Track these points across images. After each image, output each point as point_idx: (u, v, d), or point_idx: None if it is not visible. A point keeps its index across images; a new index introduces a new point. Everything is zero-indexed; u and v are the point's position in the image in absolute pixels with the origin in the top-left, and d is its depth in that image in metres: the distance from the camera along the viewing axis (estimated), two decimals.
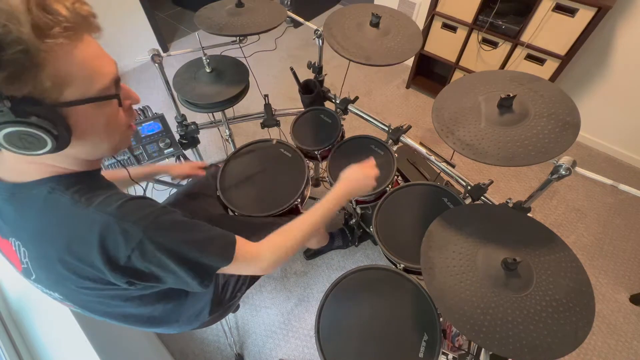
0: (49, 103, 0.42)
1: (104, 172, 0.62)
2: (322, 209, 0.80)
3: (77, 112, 0.45)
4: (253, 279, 1.03)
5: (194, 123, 1.45)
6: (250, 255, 0.65)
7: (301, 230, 0.75)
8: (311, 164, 1.76)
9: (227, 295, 0.95)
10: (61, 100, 0.43)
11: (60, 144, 0.44)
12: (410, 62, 2.52)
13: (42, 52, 0.39)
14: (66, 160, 0.52)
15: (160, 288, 0.66)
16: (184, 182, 1.54)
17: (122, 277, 0.51)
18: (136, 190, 1.00)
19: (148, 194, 0.63)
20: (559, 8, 1.68)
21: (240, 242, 0.64)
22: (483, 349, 0.83)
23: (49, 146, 0.44)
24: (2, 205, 0.52)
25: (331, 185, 1.25)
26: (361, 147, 1.30)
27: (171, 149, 1.30)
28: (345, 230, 1.67)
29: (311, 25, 1.29)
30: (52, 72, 0.41)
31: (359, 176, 0.89)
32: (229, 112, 1.49)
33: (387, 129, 1.30)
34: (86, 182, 0.53)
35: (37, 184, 0.50)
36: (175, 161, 1.48)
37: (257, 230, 1.07)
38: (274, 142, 1.32)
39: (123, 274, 0.51)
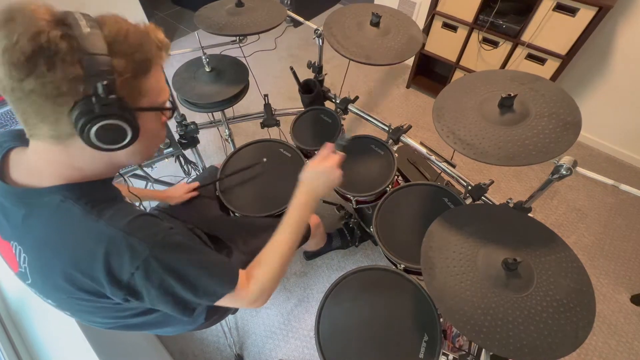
0: (131, 106, 0.49)
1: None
2: (290, 224, 0.72)
3: (144, 117, 0.52)
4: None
5: (193, 123, 1.45)
6: (242, 290, 0.63)
7: (277, 254, 0.70)
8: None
9: None
10: (139, 105, 0.51)
11: (133, 139, 0.50)
12: (410, 61, 2.52)
13: (153, 64, 0.51)
14: (97, 163, 0.53)
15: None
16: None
17: (120, 293, 0.51)
18: (142, 202, 1.00)
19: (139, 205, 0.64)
20: (559, 8, 1.68)
21: (240, 273, 0.63)
22: (483, 350, 0.83)
23: (126, 141, 0.50)
24: (11, 208, 0.52)
25: None
26: (361, 147, 1.30)
27: (171, 149, 1.30)
28: (344, 230, 1.67)
29: (311, 24, 1.29)
30: (149, 81, 0.51)
31: (319, 172, 0.76)
32: (229, 112, 1.49)
33: (387, 128, 1.29)
34: (98, 192, 0.55)
35: (50, 192, 0.51)
36: (175, 161, 1.48)
37: (256, 231, 1.07)
38: (264, 160, 1.26)
39: (122, 290, 0.51)
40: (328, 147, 0.80)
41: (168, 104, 0.58)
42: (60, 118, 0.45)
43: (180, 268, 0.54)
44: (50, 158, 0.51)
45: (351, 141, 1.03)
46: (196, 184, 1.17)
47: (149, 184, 1.43)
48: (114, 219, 0.51)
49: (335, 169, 0.76)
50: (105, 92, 0.44)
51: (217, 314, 0.94)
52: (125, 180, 0.86)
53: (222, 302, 0.61)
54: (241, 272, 0.65)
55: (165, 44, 0.53)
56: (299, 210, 0.74)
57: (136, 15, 2.63)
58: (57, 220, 0.50)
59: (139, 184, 1.43)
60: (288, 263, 0.72)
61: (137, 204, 1.00)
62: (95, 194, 0.54)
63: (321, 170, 0.76)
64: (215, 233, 1.05)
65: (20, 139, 0.57)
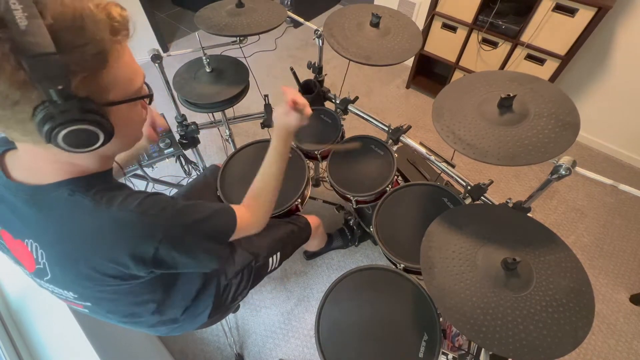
0: (98, 102, 0.45)
1: None
2: (274, 157, 0.83)
3: (117, 111, 0.48)
4: (255, 281, 1.03)
5: (194, 123, 1.45)
6: (245, 218, 0.72)
7: (270, 184, 0.81)
8: (311, 164, 1.76)
9: (228, 298, 0.95)
10: (108, 100, 0.46)
11: (108, 139, 0.47)
12: (410, 62, 2.52)
13: (110, 54, 0.44)
14: (88, 158, 0.53)
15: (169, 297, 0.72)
16: (184, 183, 1.54)
17: (145, 268, 0.54)
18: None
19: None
20: (559, 8, 1.68)
21: (237, 210, 0.70)
22: (483, 349, 0.83)
23: (100, 142, 0.46)
24: (22, 207, 0.52)
25: (331, 185, 1.25)
26: (361, 147, 1.30)
27: (171, 149, 1.30)
28: (345, 230, 1.67)
29: (311, 25, 1.29)
30: (111, 73, 0.45)
31: (284, 114, 0.83)
32: (229, 112, 1.49)
33: (387, 129, 1.30)
34: (102, 183, 0.55)
35: (56, 187, 0.51)
36: (176, 161, 1.48)
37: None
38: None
39: (148, 266, 0.54)
40: (285, 91, 0.84)
41: (145, 88, 0.53)
42: (25, 127, 0.42)
43: (195, 228, 0.58)
44: (40, 158, 0.50)
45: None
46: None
47: (149, 183, 1.43)
48: (125, 204, 0.52)
49: (301, 109, 0.82)
50: (60, 97, 0.40)
51: (220, 312, 0.94)
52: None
53: (235, 236, 0.68)
54: (238, 207, 0.72)
55: (122, 22, 0.45)
56: (278, 143, 0.83)
57: (136, 16, 2.63)
58: (69, 213, 0.51)
59: (139, 183, 1.44)
60: (278, 189, 0.83)
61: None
62: (100, 184, 0.54)
63: (284, 110, 0.83)
64: None
65: (12, 142, 0.57)
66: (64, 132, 0.42)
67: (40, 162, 0.51)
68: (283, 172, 0.84)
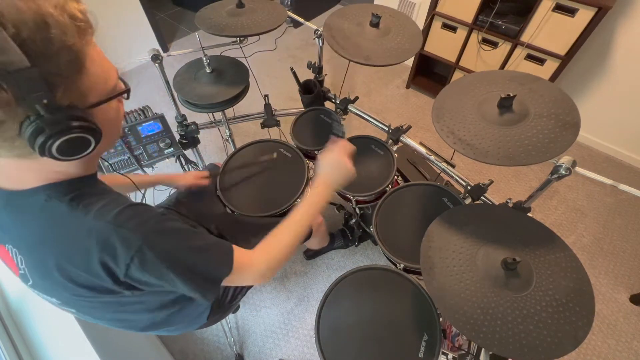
0: (82, 107, 0.44)
1: (107, 177, 0.62)
2: (307, 207, 0.76)
3: (98, 112, 0.47)
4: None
5: (194, 123, 1.45)
6: (245, 266, 0.63)
7: (290, 234, 0.72)
8: (311, 164, 1.76)
9: (227, 298, 0.95)
10: (89, 103, 0.45)
11: (98, 141, 0.46)
12: (410, 62, 2.52)
13: (84, 56, 0.43)
14: (72, 164, 0.50)
15: (163, 297, 0.66)
16: None
17: (122, 285, 0.51)
18: (136, 196, 1.00)
19: (148, 194, 0.63)
20: (559, 8, 1.68)
21: (236, 250, 0.63)
22: (483, 349, 0.83)
23: (92, 146, 0.46)
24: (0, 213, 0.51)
25: None
26: (361, 147, 1.30)
27: (171, 149, 1.30)
28: (346, 230, 1.67)
29: (311, 25, 1.29)
30: (87, 75, 0.44)
31: (335, 165, 0.82)
32: (229, 112, 1.49)
33: (387, 129, 1.30)
34: (82, 188, 0.52)
35: (33, 192, 0.49)
36: (176, 161, 1.48)
37: (257, 231, 1.06)
38: (275, 155, 1.31)
39: (121, 285, 0.51)
40: (335, 140, 0.85)
41: (120, 84, 0.51)
42: (13, 144, 0.42)
43: (175, 255, 0.53)
44: (23, 168, 0.49)
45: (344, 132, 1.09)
46: (206, 172, 1.17)
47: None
48: (102, 211, 0.49)
49: (349, 163, 0.82)
50: (47, 111, 0.39)
51: (219, 312, 0.94)
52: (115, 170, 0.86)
53: (226, 282, 0.60)
54: (244, 251, 0.64)
55: (85, 19, 0.43)
56: (317, 194, 0.78)
57: (136, 16, 2.63)
58: (45, 220, 0.49)
59: None
60: (297, 243, 0.74)
61: (140, 196, 1.01)
62: (80, 189, 0.52)
63: (336, 164, 0.82)
64: (218, 232, 1.06)
65: None
66: (57, 143, 0.42)
67: (21, 171, 0.50)
68: (309, 226, 0.77)
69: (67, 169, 0.51)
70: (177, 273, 0.52)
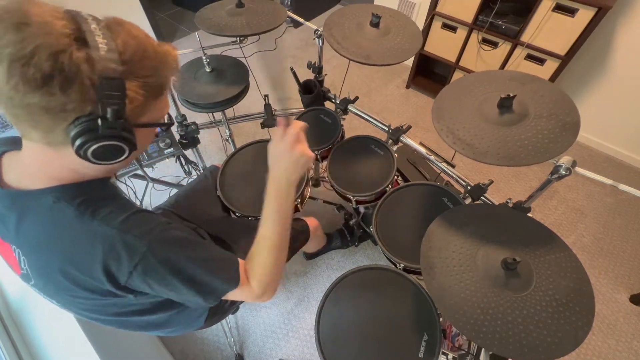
0: (132, 122, 0.48)
1: None
2: (270, 215, 0.67)
3: (141, 132, 0.51)
4: None
5: (194, 123, 1.45)
6: (246, 284, 0.63)
7: (266, 247, 0.65)
8: (311, 164, 1.76)
9: (227, 302, 0.95)
10: (139, 122, 0.50)
11: (129, 156, 0.50)
12: (410, 62, 2.52)
13: (165, 90, 0.51)
14: (97, 169, 0.52)
15: (162, 300, 0.66)
16: (184, 183, 1.54)
17: (124, 290, 0.52)
18: (142, 203, 1.00)
19: (148, 194, 0.64)
20: (559, 8, 1.68)
21: (242, 267, 0.62)
22: (483, 349, 0.83)
23: (122, 157, 0.49)
24: (4, 212, 0.52)
25: (331, 185, 1.25)
26: (361, 147, 1.30)
27: (171, 149, 1.30)
28: (344, 230, 1.67)
29: (311, 25, 1.29)
30: (157, 103, 0.51)
31: (281, 156, 0.66)
32: (229, 112, 1.49)
33: (387, 129, 1.30)
34: (93, 191, 0.53)
35: (42, 193, 0.50)
36: (176, 161, 1.48)
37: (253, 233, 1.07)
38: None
39: (121, 290, 0.52)
40: (281, 122, 0.65)
41: (166, 118, 0.57)
42: (54, 130, 0.44)
43: (179, 265, 0.53)
44: (43, 159, 0.50)
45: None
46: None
47: (149, 183, 1.43)
48: (109, 217, 0.50)
49: (296, 150, 0.64)
50: (113, 116, 0.44)
51: (218, 313, 0.94)
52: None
53: (228, 297, 0.60)
54: (242, 267, 0.63)
55: (178, 63, 0.53)
56: (274, 199, 0.66)
57: (136, 16, 2.63)
58: (51, 221, 0.50)
59: (139, 183, 1.44)
60: (282, 252, 0.67)
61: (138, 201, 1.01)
62: (89, 192, 0.52)
63: (282, 153, 0.65)
64: (218, 234, 1.06)
65: (13, 144, 0.57)
66: (98, 145, 0.45)
67: (37, 165, 0.50)
68: (285, 229, 0.67)
69: (86, 169, 0.52)
70: (181, 280, 0.53)
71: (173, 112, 1.41)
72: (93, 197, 0.52)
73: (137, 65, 0.45)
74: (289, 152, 0.64)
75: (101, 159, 0.47)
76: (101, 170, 0.53)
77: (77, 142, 0.43)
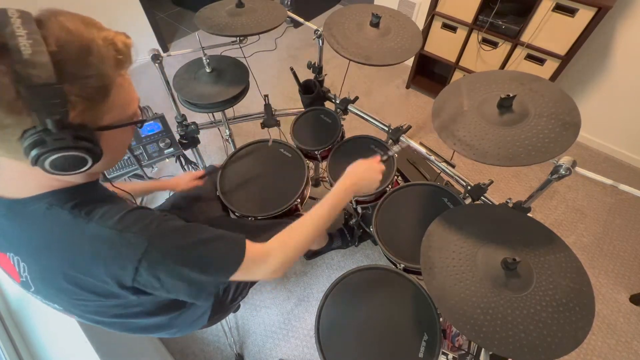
0: (91, 127, 0.44)
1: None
2: (328, 204, 0.74)
3: (107, 134, 0.48)
4: (254, 281, 1.01)
5: (194, 123, 1.45)
6: (260, 256, 0.62)
7: (307, 227, 0.71)
8: (311, 164, 1.76)
9: (228, 299, 0.95)
10: (101, 125, 0.46)
11: (96, 161, 0.46)
12: (410, 62, 2.52)
13: (113, 87, 0.45)
14: (76, 175, 0.50)
15: (164, 300, 0.66)
16: None
17: (129, 290, 0.51)
18: (142, 203, 1.00)
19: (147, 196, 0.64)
20: (559, 8, 1.68)
21: (249, 242, 0.61)
22: (483, 349, 0.83)
23: (87, 165, 0.46)
24: (1, 221, 0.51)
25: (331, 185, 1.25)
26: (361, 147, 1.30)
27: (171, 149, 1.30)
28: (345, 230, 1.67)
29: (311, 25, 1.29)
30: (110, 102, 0.45)
31: (365, 169, 0.84)
32: (229, 112, 1.49)
33: (387, 129, 1.30)
34: (84, 195, 0.52)
35: (35, 200, 0.49)
36: (176, 161, 1.48)
37: (257, 232, 1.07)
38: (270, 143, 1.32)
39: (129, 290, 0.51)
40: (378, 157, 0.91)
41: (137, 113, 0.52)
42: (9, 146, 0.41)
43: (183, 251, 0.52)
44: (22, 172, 0.49)
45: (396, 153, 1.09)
46: (201, 172, 1.17)
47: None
48: (104, 218, 0.49)
49: (379, 172, 0.86)
50: (56, 127, 0.39)
51: (220, 313, 0.94)
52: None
53: (237, 276, 0.58)
54: (250, 242, 0.62)
55: (127, 53, 0.46)
56: (340, 193, 0.77)
57: (136, 16, 2.63)
58: (47, 227, 0.49)
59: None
60: (313, 239, 0.72)
61: (139, 200, 1.01)
62: (81, 196, 0.52)
63: (368, 168, 0.85)
64: None
65: None
66: (52, 157, 0.41)
67: (21, 175, 0.49)
68: (329, 221, 0.74)
69: (67, 177, 0.51)
70: (189, 267, 0.52)
71: (173, 112, 1.41)
72: (85, 200, 0.51)
73: (74, 65, 0.40)
74: (375, 174, 0.85)
75: (64, 169, 0.44)
76: (82, 176, 0.52)
77: (31, 156, 0.41)
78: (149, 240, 0.49)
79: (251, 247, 0.61)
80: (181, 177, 1.14)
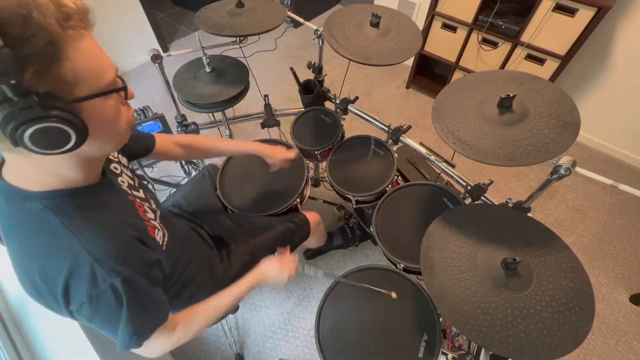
0: (65, 99, 0.42)
1: (188, 137, 0.78)
2: (235, 294, 0.81)
3: (89, 107, 0.45)
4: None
5: (194, 123, 1.45)
6: (165, 332, 0.64)
7: (211, 312, 0.77)
8: (311, 164, 1.76)
9: None
10: (76, 96, 0.43)
11: (82, 137, 0.44)
12: (410, 62, 2.52)
13: (64, 43, 0.41)
14: (71, 166, 0.51)
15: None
16: (184, 182, 1.54)
17: (65, 311, 0.52)
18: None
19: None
20: (559, 8, 1.68)
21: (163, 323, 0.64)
22: (483, 349, 0.83)
23: (72, 141, 0.43)
24: (2, 206, 0.52)
25: (331, 185, 1.25)
26: (361, 147, 1.30)
27: None
28: (345, 229, 1.67)
29: (311, 25, 1.29)
30: (71, 65, 0.42)
31: (274, 270, 0.88)
32: (229, 112, 1.49)
33: (387, 129, 1.30)
34: (84, 199, 0.53)
35: (33, 197, 0.49)
36: (176, 161, 1.48)
37: (256, 231, 1.07)
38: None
39: (66, 311, 0.52)
40: (289, 253, 0.94)
41: (118, 82, 0.50)
42: None
43: (126, 309, 0.53)
44: (24, 165, 0.49)
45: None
46: (293, 153, 1.15)
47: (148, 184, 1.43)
48: (90, 238, 0.50)
49: (286, 275, 0.88)
50: (15, 94, 0.37)
51: None
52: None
53: (147, 342, 0.61)
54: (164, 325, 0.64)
55: (75, 9, 0.42)
56: (247, 283, 0.83)
57: (136, 16, 2.63)
58: (34, 228, 0.50)
59: None
60: (211, 324, 0.79)
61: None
62: (80, 200, 0.52)
63: (279, 268, 0.88)
64: (218, 232, 1.06)
65: None
66: (29, 131, 0.39)
67: (22, 168, 0.50)
68: (231, 308, 0.82)
69: (66, 172, 0.51)
70: (120, 323, 0.55)
71: (173, 112, 1.41)
72: (82, 206, 0.52)
73: (15, 25, 0.37)
74: (282, 276, 0.88)
75: (48, 146, 0.42)
76: (78, 165, 0.51)
77: (9, 137, 0.39)
78: (111, 286, 0.50)
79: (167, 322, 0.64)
80: (276, 151, 1.11)
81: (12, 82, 0.36)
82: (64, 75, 0.41)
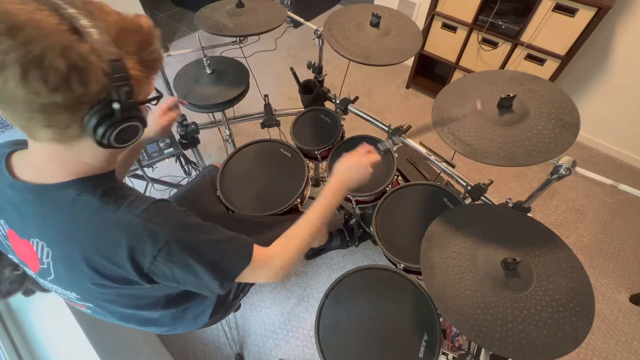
0: (136, 101, 0.49)
1: None
2: (320, 207, 0.76)
3: (142, 108, 0.53)
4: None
5: (194, 123, 1.45)
6: (263, 259, 0.65)
7: (303, 231, 0.74)
8: (311, 164, 1.76)
9: (230, 296, 0.95)
10: (139, 100, 0.51)
11: (142, 132, 0.52)
12: (410, 62, 2.52)
13: (160, 61, 0.52)
14: (99, 157, 0.54)
15: (172, 292, 0.69)
16: (184, 183, 1.54)
17: (144, 278, 0.54)
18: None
19: (147, 194, 0.65)
20: (559, 8, 1.68)
21: (255, 246, 0.65)
22: (483, 349, 0.83)
23: (138, 135, 0.51)
24: (24, 207, 0.53)
25: None
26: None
27: (171, 149, 1.30)
28: (344, 230, 1.67)
29: (311, 25, 1.29)
30: (154, 79, 0.53)
31: (352, 165, 0.82)
32: (229, 112, 1.49)
33: (387, 129, 1.30)
34: (108, 183, 0.56)
35: (64, 187, 0.51)
36: (176, 161, 1.49)
37: (257, 231, 1.07)
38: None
39: (144, 277, 0.54)
40: (366, 145, 0.87)
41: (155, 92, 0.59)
42: (71, 125, 0.45)
43: (199, 249, 0.56)
44: (54, 157, 0.51)
45: (390, 149, 1.01)
46: (172, 99, 1.00)
47: (149, 184, 1.43)
48: (132, 207, 0.52)
49: (368, 166, 0.82)
50: (126, 98, 0.45)
51: (221, 311, 0.95)
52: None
53: (241, 279, 0.62)
54: (261, 247, 0.66)
55: (158, 35, 0.52)
56: (330, 196, 0.78)
57: None
58: (76, 213, 0.51)
59: (139, 184, 1.44)
60: (310, 242, 0.75)
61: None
62: (107, 184, 0.55)
63: (355, 165, 0.81)
64: None
65: (20, 144, 0.58)
66: (120, 128, 0.47)
67: (49, 161, 0.52)
68: (322, 224, 0.77)
69: (95, 161, 0.54)
70: (201, 263, 0.55)
71: None
72: (112, 188, 0.55)
73: (126, 42, 0.45)
74: (364, 162, 0.82)
75: (122, 141, 0.49)
76: (107, 160, 0.56)
77: (99, 132, 0.45)
78: (170, 232, 0.53)
79: (257, 251, 0.64)
80: (153, 111, 0.99)
81: (126, 89, 0.45)
82: (147, 85, 0.51)
